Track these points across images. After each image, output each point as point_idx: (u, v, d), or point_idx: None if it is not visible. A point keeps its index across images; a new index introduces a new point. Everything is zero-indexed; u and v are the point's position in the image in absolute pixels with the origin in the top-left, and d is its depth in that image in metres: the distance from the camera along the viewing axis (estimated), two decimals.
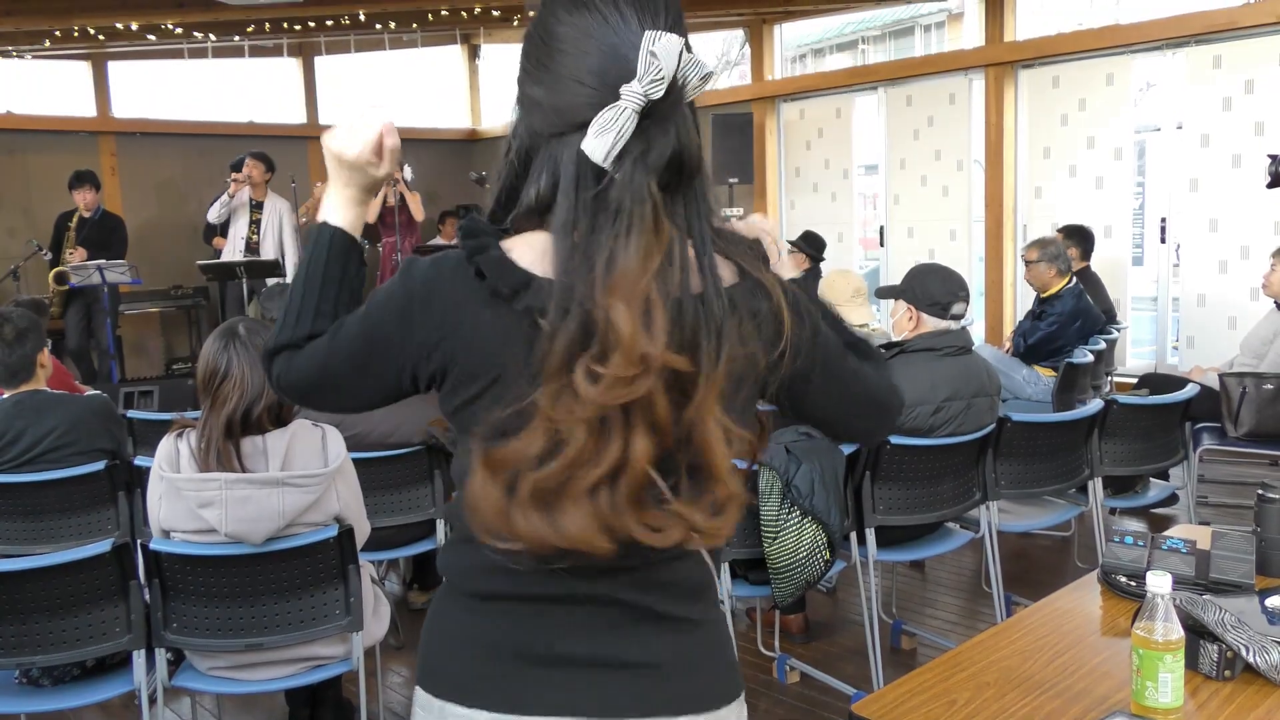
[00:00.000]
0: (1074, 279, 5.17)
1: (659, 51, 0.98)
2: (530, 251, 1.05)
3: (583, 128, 1.00)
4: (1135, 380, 4.90)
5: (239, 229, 7.55)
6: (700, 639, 1.15)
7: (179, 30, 7.79)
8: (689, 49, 1.01)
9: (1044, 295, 5.19)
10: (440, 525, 3.42)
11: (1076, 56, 6.61)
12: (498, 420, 1.01)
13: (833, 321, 1.21)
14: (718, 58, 18.20)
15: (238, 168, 7.54)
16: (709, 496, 1.03)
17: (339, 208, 1.21)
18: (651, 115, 1.00)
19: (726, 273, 1.07)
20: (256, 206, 7.59)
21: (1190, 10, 6.06)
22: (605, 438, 0.99)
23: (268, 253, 7.52)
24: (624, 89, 0.99)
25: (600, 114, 0.99)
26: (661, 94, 0.99)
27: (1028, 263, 5.25)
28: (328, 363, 1.14)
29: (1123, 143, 6.50)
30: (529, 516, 0.99)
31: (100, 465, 3.13)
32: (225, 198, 7.45)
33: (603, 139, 0.98)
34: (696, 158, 1.04)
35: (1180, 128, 6.35)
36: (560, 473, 0.99)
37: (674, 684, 1.11)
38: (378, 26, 8.24)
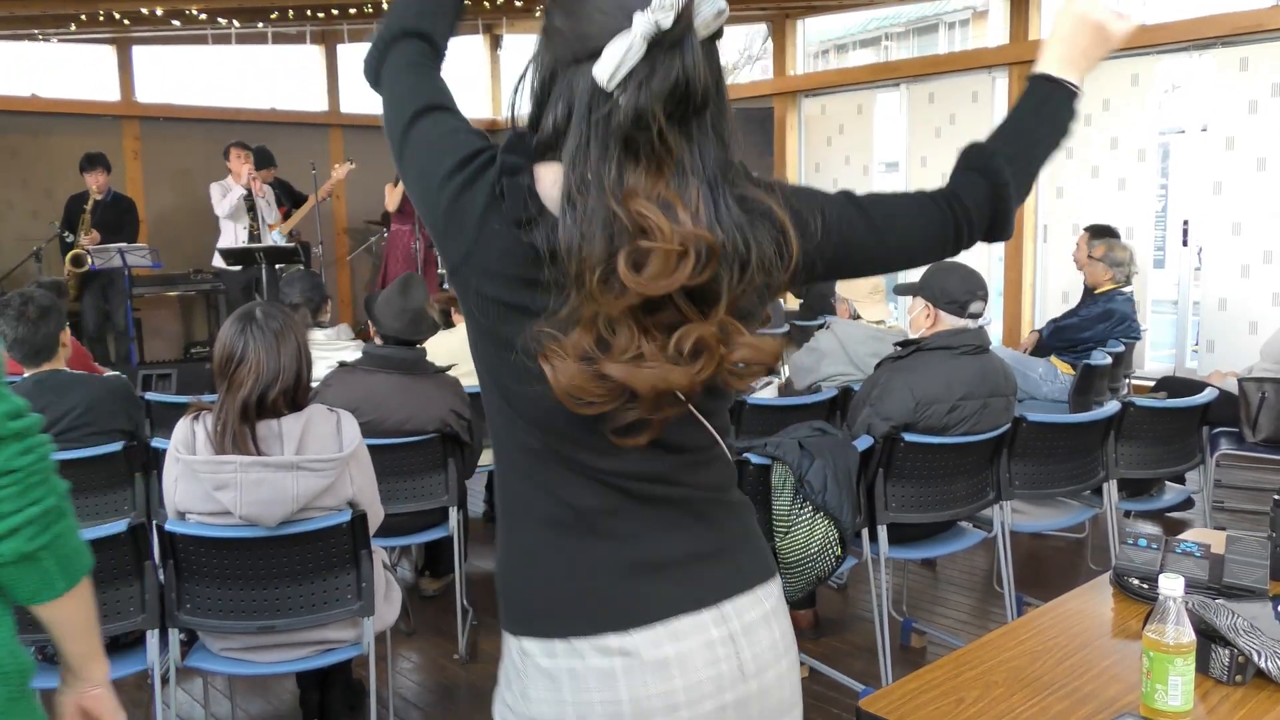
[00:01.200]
0: (1127, 287, 5.35)
1: None
2: (555, 187, 1.07)
3: (597, 55, 1.03)
4: (1153, 383, 4.88)
5: (241, 221, 7.49)
6: (739, 522, 1.22)
7: (203, 15, 7.83)
8: None
9: (1095, 291, 5.43)
10: (453, 513, 3.43)
11: None
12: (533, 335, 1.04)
13: (843, 199, 1.21)
14: (739, 52, 18.17)
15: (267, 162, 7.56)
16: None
17: None
18: (661, 43, 1.02)
19: (736, 207, 1.09)
20: (249, 194, 7.49)
21: (1217, 12, 6.01)
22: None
23: (265, 241, 7.47)
24: (636, 15, 1.01)
25: (613, 40, 1.01)
26: (670, 22, 1.01)
27: (1090, 256, 5.50)
28: (394, 129, 1.18)
29: (1146, 144, 6.46)
30: (610, 367, 1.02)
31: (118, 446, 3.15)
32: (242, 190, 7.36)
33: (609, 62, 1.01)
34: (704, 91, 1.05)
35: (1205, 130, 6.30)
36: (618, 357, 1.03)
37: (738, 561, 1.19)
38: None
